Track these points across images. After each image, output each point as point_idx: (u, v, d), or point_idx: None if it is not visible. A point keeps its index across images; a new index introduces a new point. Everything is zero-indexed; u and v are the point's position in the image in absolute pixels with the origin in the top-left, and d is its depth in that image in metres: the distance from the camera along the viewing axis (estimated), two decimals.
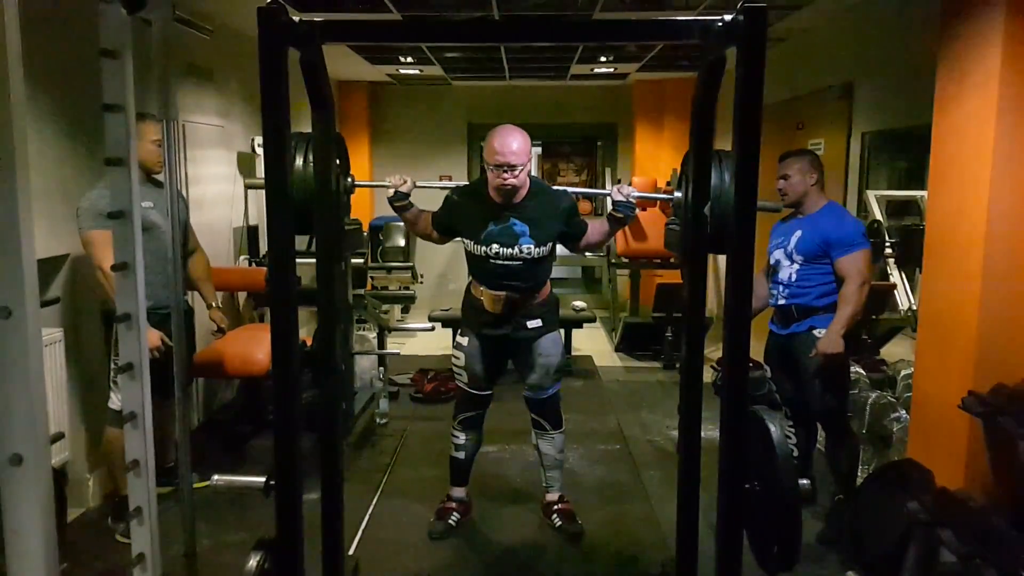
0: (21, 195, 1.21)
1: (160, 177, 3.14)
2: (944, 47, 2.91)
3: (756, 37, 1.75)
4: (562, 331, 5.72)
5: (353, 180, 2.53)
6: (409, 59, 6.83)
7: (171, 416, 2.69)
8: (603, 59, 6.74)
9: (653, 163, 7.90)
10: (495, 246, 2.97)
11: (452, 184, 3.22)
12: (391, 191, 2.92)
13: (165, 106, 2.24)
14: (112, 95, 1.53)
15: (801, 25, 5.11)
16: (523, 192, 2.96)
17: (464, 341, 3.17)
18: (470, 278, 3.18)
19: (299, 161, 2.21)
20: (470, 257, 3.07)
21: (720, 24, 1.84)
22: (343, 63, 6.81)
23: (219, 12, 4.68)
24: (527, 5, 4.59)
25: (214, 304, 3.58)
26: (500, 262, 2.98)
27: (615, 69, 7.24)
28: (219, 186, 5.06)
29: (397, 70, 7.42)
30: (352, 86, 8.19)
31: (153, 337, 2.96)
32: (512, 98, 8.42)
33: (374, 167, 8.61)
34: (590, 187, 9.58)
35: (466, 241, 3.04)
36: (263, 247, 5.49)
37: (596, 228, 3.05)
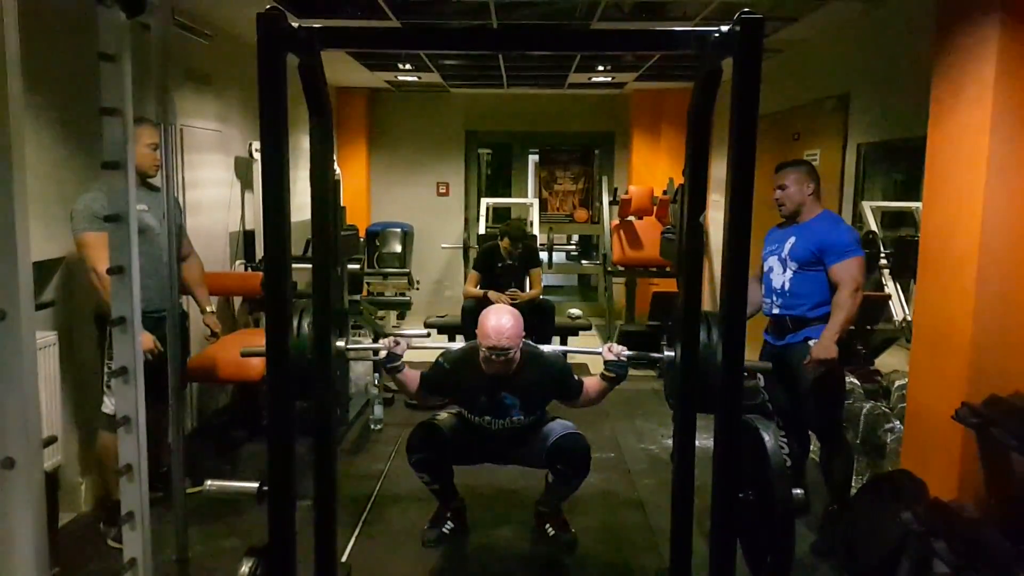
0: (18, 197, 1.21)
1: (155, 181, 3.14)
2: (939, 60, 2.93)
3: (752, 48, 1.76)
4: (557, 337, 5.75)
5: (345, 344, 2.48)
6: (408, 66, 6.84)
7: (165, 421, 2.68)
8: (601, 68, 6.77)
9: (650, 172, 7.92)
10: (487, 417, 3.01)
11: (444, 345, 3.18)
12: (383, 353, 2.79)
13: (163, 110, 2.25)
14: (110, 99, 1.53)
15: (797, 36, 5.13)
16: (515, 365, 2.92)
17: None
18: None
19: (296, 328, 2.19)
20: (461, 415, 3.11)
21: (717, 35, 1.85)
22: (342, 69, 6.82)
23: (218, 17, 4.69)
24: (525, 14, 4.60)
25: (208, 309, 3.58)
26: (493, 429, 3.03)
27: (613, 78, 7.27)
28: (216, 191, 5.06)
29: (396, 77, 7.43)
30: (350, 92, 8.20)
31: (146, 340, 2.95)
32: (510, 106, 8.44)
33: (372, 173, 8.62)
34: (586, 196, 9.58)
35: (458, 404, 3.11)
36: (259, 251, 5.48)
37: (591, 388, 2.99)
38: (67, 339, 3.29)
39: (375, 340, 4.94)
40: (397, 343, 2.80)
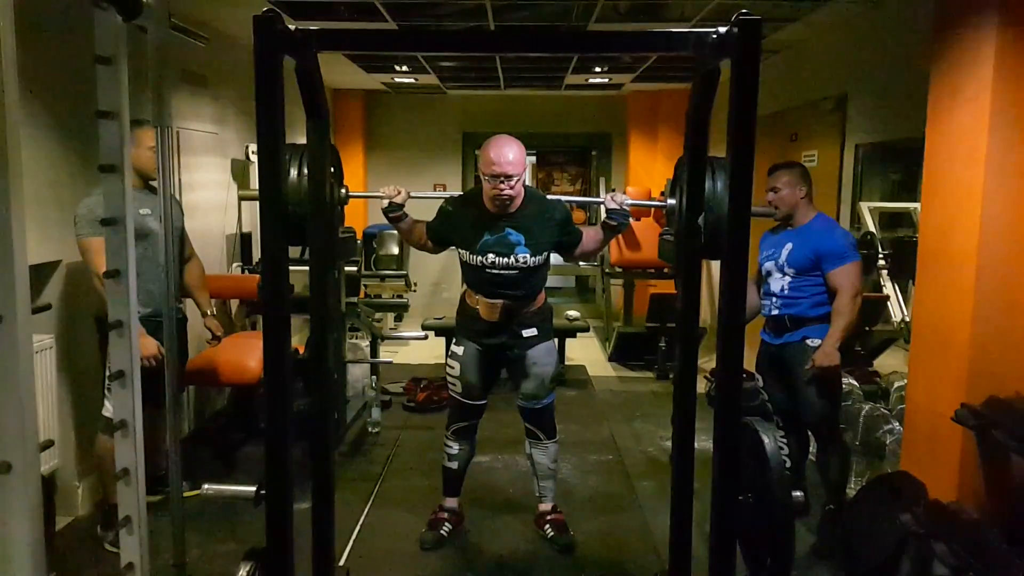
0: (14, 200, 1.20)
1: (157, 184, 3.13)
2: (937, 60, 2.93)
3: (750, 49, 1.76)
4: (556, 340, 5.73)
5: (347, 191, 2.52)
6: (404, 68, 6.84)
7: (162, 424, 2.67)
8: (598, 70, 6.76)
9: (647, 173, 7.92)
10: (491, 255, 2.98)
11: (446, 194, 3.22)
12: (385, 202, 2.90)
13: (159, 113, 2.24)
14: (106, 102, 1.52)
15: (795, 37, 5.14)
16: (518, 202, 2.97)
17: (459, 350, 3.17)
18: (464, 287, 3.18)
19: (293, 172, 2.20)
20: (465, 267, 3.08)
21: (714, 36, 1.85)
22: (338, 71, 6.81)
23: (214, 19, 4.69)
24: (522, 15, 4.60)
25: (209, 312, 3.57)
26: (496, 271, 3.00)
27: (610, 79, 7.27)
28: (213, 193, 5.06)
29: (392, 79, 7.43)
30: (347, 94, 8.20)
31: (152, 345, 2.94)
32: (507, 107, 8.44)
33: (369, 176, 8.60)
34: (584, 196, 9.60)
35: (461, 251, 3.06)
36: (256, 254, 5.47)
37: (591, 236, 3.06)
38: (65, 342, 3.28)
39: (372, 342, 4.97)
40: (399, 192, 2.90)
